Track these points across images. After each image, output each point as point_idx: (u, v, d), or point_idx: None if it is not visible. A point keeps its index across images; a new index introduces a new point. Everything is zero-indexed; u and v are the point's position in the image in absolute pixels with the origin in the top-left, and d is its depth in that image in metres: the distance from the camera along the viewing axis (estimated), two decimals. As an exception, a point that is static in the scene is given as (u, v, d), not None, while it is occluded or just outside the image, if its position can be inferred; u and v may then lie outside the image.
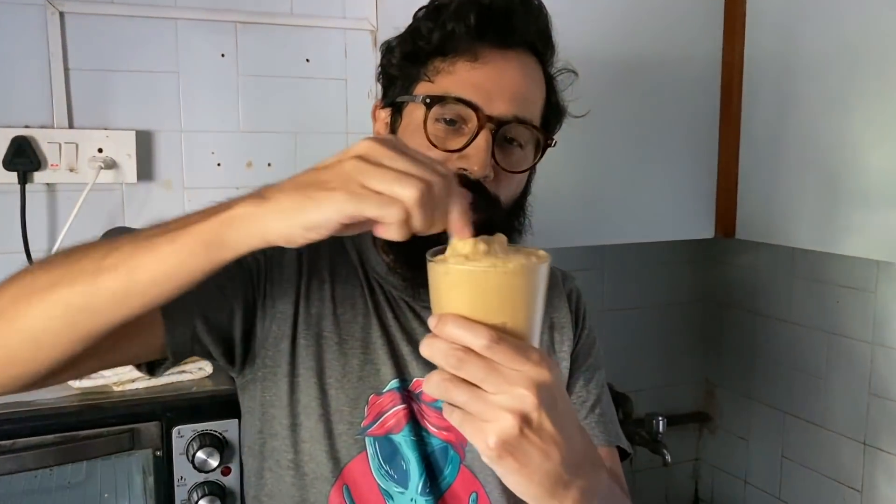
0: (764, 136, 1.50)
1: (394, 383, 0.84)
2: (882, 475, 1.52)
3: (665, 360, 1.93)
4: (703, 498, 2.01)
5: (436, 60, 0.83)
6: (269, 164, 1.35)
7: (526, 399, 0.51)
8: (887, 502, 1.51)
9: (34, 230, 1.21)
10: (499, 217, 0.82)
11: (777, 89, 1.46)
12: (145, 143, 1.28)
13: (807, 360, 1.67)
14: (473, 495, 0.85)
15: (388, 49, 0.88)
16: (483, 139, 0.78)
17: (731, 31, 1.53)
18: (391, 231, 0.53)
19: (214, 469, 1.05)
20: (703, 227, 1.58)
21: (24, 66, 1.20)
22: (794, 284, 1.70)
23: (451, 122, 0.81)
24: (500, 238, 0.57)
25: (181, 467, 1.04)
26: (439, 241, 0.57)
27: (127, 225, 1.26)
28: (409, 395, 0.84)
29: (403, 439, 0.83)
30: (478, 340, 0.51)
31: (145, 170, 1.28)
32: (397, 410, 0.83)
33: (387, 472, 0.83)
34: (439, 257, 0.56)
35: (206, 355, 0.81)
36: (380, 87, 0.92)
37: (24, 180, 1.19)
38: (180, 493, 1.05)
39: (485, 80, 0.80)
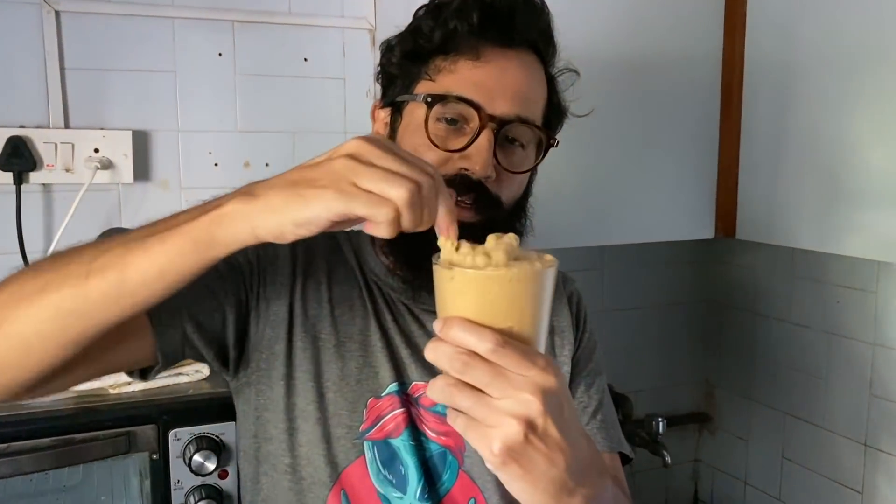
0: (764, 135, 1.49)
1: (393, 387, 0.83)
2: (883, 476, 1.51)
3: (665, 361, 1.92)
4: (702, 499, 2.01)
5: (437, 59, 0.82)
6: (266, 164, 1.34)
7: (532, 405, 0.51)
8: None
9: (30, 231, 1.20)
10: (500, 218, 0.81)
11: (777, 89, 1.46)
12: (142, 143, 1.27)
13: (807, 360, 1.67)
14: (472, 501, 0.84)
15: (388, 48, 0.87)
16: (485, 139, 0.78)
17: (732, 30, 1.53)
18: (380, 229, 0.54)
19: (212, 472, 1.04)
20: (703, 228, 1.58)
21: (19, 65, 1.19)
22: (794, 285, 1.69)
23: (452, 122, 0.80)
24: (511, 238, 0.57)
25: (178, 470, 1.04)
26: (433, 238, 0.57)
27: (123, 226, 1.25)
28: (408, 399, 0.83)
29: (402, 444, 0.82)
30: (483, 344, 0.51)
31: (142, 170, 1.27)
32: (396, 414, 0.82)
33: (385, 476, 0.82)
34: (443, 260, 0.56)
35: (199, 358, 0.80)
36: (378, 86, 0.91)
37: (19, 181, 1.18)
38: (177, 497, 1.04)
39: (487, 79, 0.79)
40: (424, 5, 0.85)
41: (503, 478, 0.54)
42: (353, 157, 0.54)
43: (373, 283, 0.87)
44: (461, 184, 0.78)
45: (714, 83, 1.55)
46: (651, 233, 1.54)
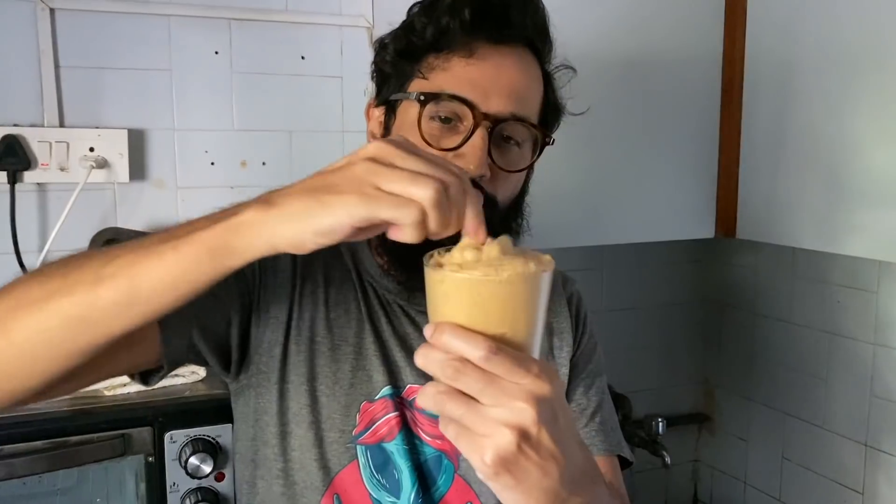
0: (765, 134, 1.49)
1: (386, 390, 0.82)
2: (883, 477, 1.50)
3: (665, 361, 1.92)
4: (702, 499, 2.00)
5: (430, 57, 0.80)
6: (263, 163, 1.33)
7: (525, 413, 0.50)
8: (889, 505, 1.50)
9: (24, 231, 1.19)
10: (496, 218, 0.80)
11: (778, 88, 1.45)
12: (138, 142, 1.26)
13: (807, 360, 1.66)
14: None
15: (381, 46, 0.86)
16: (479, 137, 0.76)
17: (732, 28, 1.52)
18: (406, 233, 0.51)
19: (208, 475, 1.03)
20: (703, 227, 1.57)
21: (13, 63, 1.18)
22: (794, 284, 1.69)
23: (446, 120, 0.79)
24: (504, 240, 0.55)
25: (174, 473, 1.03)
26: (439, 242, 0.55)
27: (119, 226, 1.24)
28: (402, 403, 0.82)
29: (396, 448, 0.81)
30: (475, 351, 0.49)
31: (138, 169, 1.26)
32: (390, 418, 0.81)
33: (378, 481, 0.81)
34: (435, 261, 0.54)
35: (202, 362, 0.79)
36: (374, 85, 0.90)
37: (13, 180, 1.17)
38: (173, 500, 1.04)
39: (480, 77, 0.78)
40: (419, 2, 0.84)
41: (495, 488, 0.53)
42: (374, 159, 0.52)
43: (368, 284, 0.86)
44: None
45: (714, 81, 1.54)
46: (651, 232, 1.54)
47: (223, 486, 1.05)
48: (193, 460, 1.02)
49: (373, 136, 0.88)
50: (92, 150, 1.21)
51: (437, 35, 0.79)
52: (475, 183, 0.77)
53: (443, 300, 0.52)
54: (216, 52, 1.29)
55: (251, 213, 0.54)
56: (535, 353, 0.53)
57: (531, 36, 0.83)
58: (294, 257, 0.83)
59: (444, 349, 0.50)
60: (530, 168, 0.86)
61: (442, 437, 0.80)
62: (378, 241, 0.84)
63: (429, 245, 0.55)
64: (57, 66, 1.20)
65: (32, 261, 1.19)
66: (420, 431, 0.83)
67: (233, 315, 0.78)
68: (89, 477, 1.10)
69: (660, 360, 1.91)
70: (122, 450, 1.00)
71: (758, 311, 1.79)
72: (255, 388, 0.82)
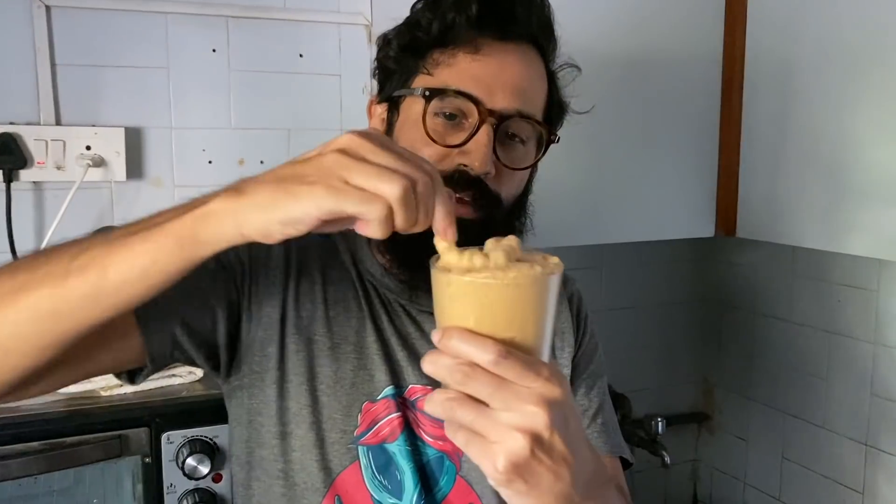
0: (765, 133, 1.48)
1: (388, 390, 0.81)
2: (884, 477, 1.50)
3: (664, 360, 1.91)
4: (701, 499, 2.00)
5: (435, 52, 0.80)
6: (261, 162, 1.33)
7: (537, 417, 0.49)
8: (889, 504, 1.50)
9: (20, 230, 1.18)
10: (500, 216, 0.80)
11: (778, 86, 1.45)
12: (135, 141, 1.25)
13: (807, 359, 1.66)
14: None
15: (385, 41, 0.85)
16: (484, 134, 0.76)
17: (733, 27, 1.52)
18: (371, 228, 0.51)
19: (205, 476, 1.02)
20: (703, 226, 1.57)
21: (9, 60, 1.17)
22: (794, 283, 1.68)
23: (450, 117, 0.78)
24: (511, 241, 0.54)
25: (171, 474, 1.02)
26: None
27: (116, 225, 1.23)
28: (404, 403, 0.82)
29: (398, 449, 0.80)
30: (485, 355, 0.48)
31: (135, 168, 1.25)
32: (392, 418, 0.80)
33: (380, 482, 0.80)
34: (442, 262, 0.53)
35: (190, 361, 0.78)
36: (375, 82, 0.89)
37: (9, 178, 1.16)
38: (170, 501, 1.03)
39: (486, 73, 0.77)
40: None
41: (506, 494, 0.52)
42: (344, 152, 0.52)
43: (369, 283, 0.85)
44: (460, 180, 0.76)
45: (715, 80, 1.54)
46: (651, 231, 1.53)
47: (221, 487, 1.04)
48: (190, 461, 1.01)
49: None
50: (88, 148, 1.20)
51: (442, 30, 0.78)
52: (477, 179, 0.76)
53: (450, 304, 0.51)
54: (214, 50, 1.28)
55: (219, 202, 0.53)
56: (545, 357, 0.53)
57: (536, 33, 0.82)
58: (287, 255, 0.82)
59: (452, 354, 0.50)
60: (535, 166, 0.85)
61: (444, 438, 0.80)
62: (379, 240, 0.83)
63: (431, 244, 0.54)
64: (53, 64, 1.19)
65: (28, 260, 1.18)
66: (422, 432, 0.82)
67: (219, 313, 0.77)
68: (85, 478, 1.09)
69: (659, 359, 1.90)
70: (119, 451, 0.99)
71: (758, 310, 1.79)
72: (247, 388, 0.81)
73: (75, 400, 1.03)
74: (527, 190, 0.86)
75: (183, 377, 1.10)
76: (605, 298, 1.80)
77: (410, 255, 0.77)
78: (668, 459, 1.64)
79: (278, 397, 0.79)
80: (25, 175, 1.18)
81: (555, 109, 0.87)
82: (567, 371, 0.89)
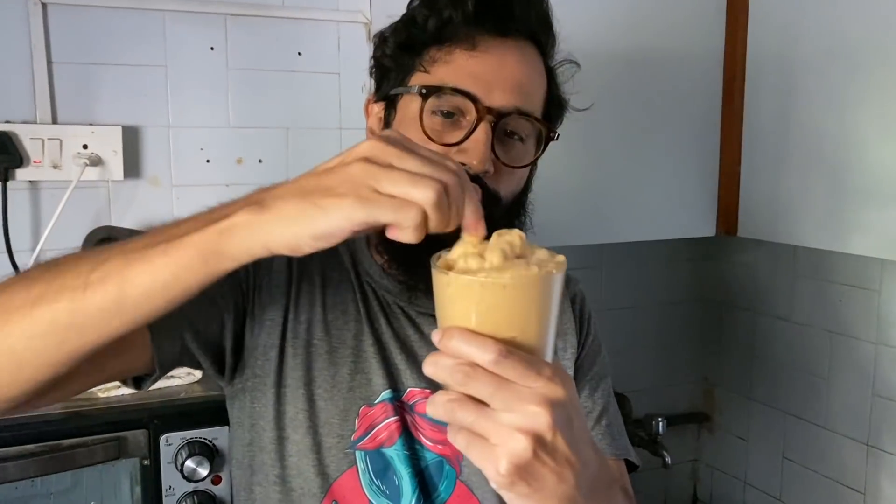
0: (767, 132, 1.48)
1: (386, 394, 0.80)
2: (885, 477, 1.50)
3: (665, 360, 1.91)
4: (702, 499, 1.99)
5: (432, 50, 0.79)
6: (259, 161, 1.32)
7: (539, 418, 0.48)
8: (891, 505, 1.49)
9: (16, 229, 1.18)
10: (499, 214, 0.78)
11: (780, 85, 1.44)
12: (132, 139, 1.24)
13: (809, 359, 1.65)
14: None
15: (381, 39, 0.84)
16: (482, 132, 0.75)
17: (734, 26, 1.52)
18: (406, 234, 0.50)
19: (204, 478, 1.02)
20: (705, 226, 1.56)
21: (5, 59, 1.16)
22: (796, 283, 1.68)
23: (448, 115, 0.77)
24: (514, 236, 0.53)
25: (170, 476, 1.01)
26: (438, 239, 0.53)
27: (113, 224, 1.22)
28: (402, 407, 0.80)
29: (396, 453, 0.79)
30: (485, 355, 0.48)
31: (132, 167, 1.24)
32: (389, 423, 0.79)
33: (378, 487, 0.79)
34: (443, 262, 0.52)
35: (196, 365, 0.78)
36: (373, 81, 0.88)
37: (5, 177, 1.15)
38: (169, 503, 1.01)
39: (484, 70, 0.76)
40: None
41: (509, 497, 0.51)
42: (369, 160, 0.50)
43: (367, 285, 0.84)
44: None
45: (716, 79, 1.53)
46: (652, 231, 1.53)
47: (220, 490, 1.04)
48: (189, 463, 1.01)
49: (372, 133, 0.86)
50: (85, 147, 1.19)
51: (439, 27, 0.77)
52: (475, 177, 0.75)
53: (450, 304, 0.51)
54: (212, 48, 1.28)
55: (243, 215, 0.52)
56: (548, 357, 0.52)
57: (534, 29, 0.81)
58: (290, 259, 0.81)
59: (453, 354, 0.49)
60: (534, 164, 0.84)
61: (443, 442, 0.79)
62: (378, 239, 0.82)
63: (430, 242, 0.53)
64: (49, 62, 1.18)
65: (25, 260, 1.17)
66: (421, 436, 0.81)
67: (226, 317, 0.77)
68: (83, 480, 1.09)
69: (659, 359, 1.90)
70: (117, 453, 0.99)
71: (759, 310, 1.78)
72: (250, 391, 0.80)
73: (73, 402, 1.02)
74: (526, 188, 0.85)
75: (181, 379, 1.09)
76: (604, 298, 1.79)
77: (407, 254, 0.75)
78: (668, 459, 1.63)
79: (276, 401, 0.79)
80: (22, 174, 1.17)
81: (554, 106, 0.86)
82: (570, 372, 0.89)
